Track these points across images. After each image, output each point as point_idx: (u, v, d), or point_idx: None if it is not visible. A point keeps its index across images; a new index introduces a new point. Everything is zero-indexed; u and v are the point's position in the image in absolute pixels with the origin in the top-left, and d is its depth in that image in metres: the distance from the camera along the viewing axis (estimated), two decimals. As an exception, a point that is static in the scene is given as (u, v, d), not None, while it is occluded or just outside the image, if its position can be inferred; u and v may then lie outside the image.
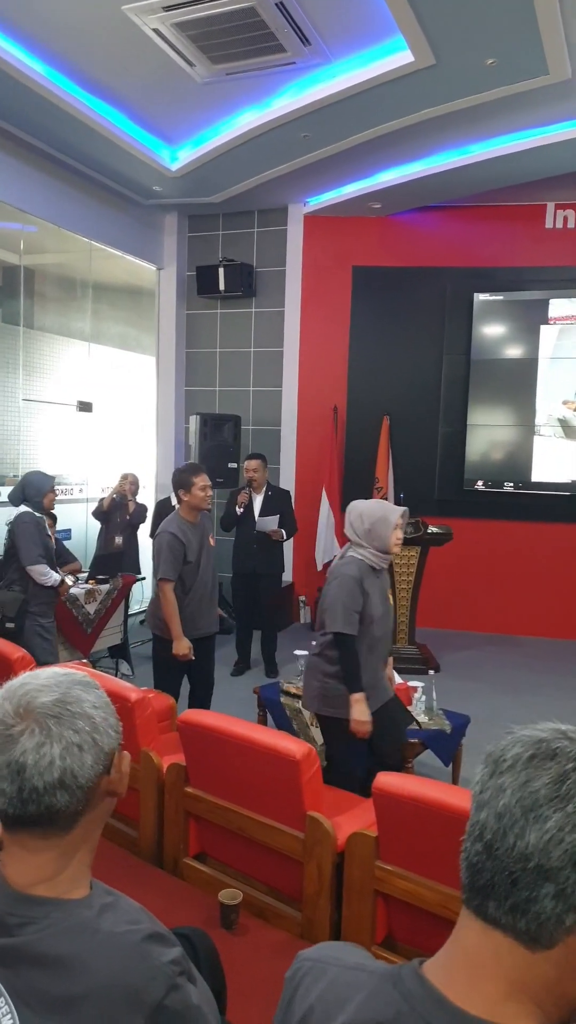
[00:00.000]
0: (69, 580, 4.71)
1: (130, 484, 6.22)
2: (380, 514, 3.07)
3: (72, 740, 0.94)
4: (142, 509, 6.35)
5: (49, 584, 4.38)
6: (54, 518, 5.56)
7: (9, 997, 0.88)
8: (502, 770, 0.74)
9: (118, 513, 6.16)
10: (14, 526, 4.37)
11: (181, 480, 4.06)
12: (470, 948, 0.74)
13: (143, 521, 6.34)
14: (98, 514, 6.14)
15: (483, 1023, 0.71)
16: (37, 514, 4.39)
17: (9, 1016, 0.87)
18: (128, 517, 6.20)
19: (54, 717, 0.95)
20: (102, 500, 6.15)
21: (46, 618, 4.46)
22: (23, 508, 4.41)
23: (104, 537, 6.16)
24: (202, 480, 4.04)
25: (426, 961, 0.79)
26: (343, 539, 7.13)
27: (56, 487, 6.61)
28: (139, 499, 6.39)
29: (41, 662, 4.18)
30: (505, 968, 0.71)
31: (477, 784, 0.77)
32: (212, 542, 4.27)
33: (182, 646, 3.98)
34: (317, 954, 0.87)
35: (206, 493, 4.05)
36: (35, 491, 4.39)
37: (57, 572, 4.49)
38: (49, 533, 4.50)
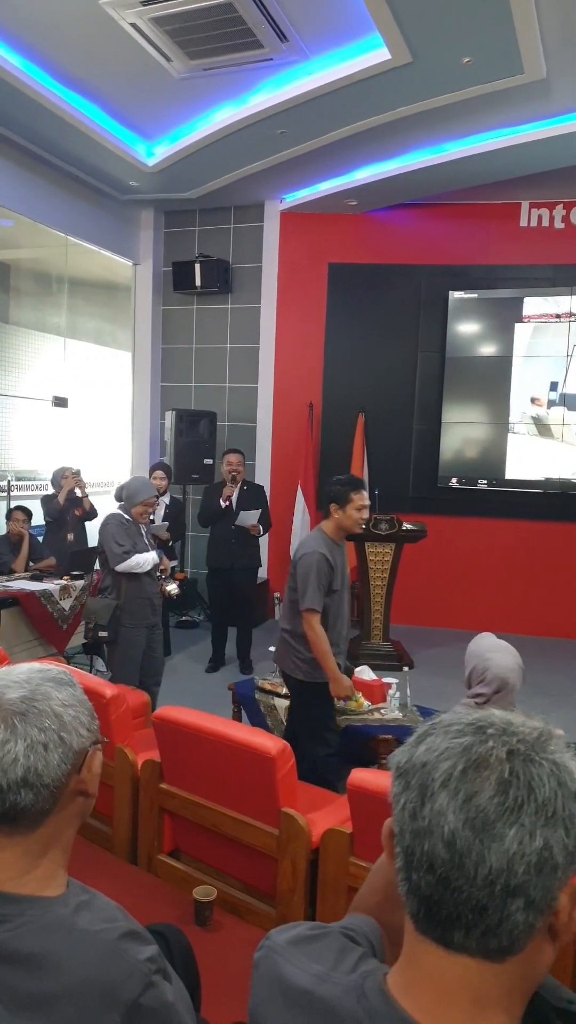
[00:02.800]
0: (172, 587, 4.53)
1: (77, 480, 6.00)
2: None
3: (37, 738, 0.94)
4: (92, 505, 6.16)
5: (147, 568, 4.15)
6: (29, 514, 5.52)
7: None
8: (433, 791, 0.68)
9: (71, 510, 5.99)
10: (100, 529, 4.26)
11: (338, 493, 3.38)
12: (433, 973, 0.70)
13: (95, 517, 6.15)
14: (54, 512, 5.88)
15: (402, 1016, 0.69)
16: (127, 517, 4.21)
17: None
18: (80, 514, 6.03)
19: (20, 714, 0.94)
20: (56, 498, 5.88)
21: (137, 631, 4.20)
22: (114, 509, 4.28)
23: (56, 534, 5.95)
24: (361, 499, 3.37)
25: (388, 974, 0.75)
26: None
27: (30, 483, 6.60)
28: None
29: (118, 679, 4.03)
30: (473, 988, 0.68)
31: (401, 808, 0.71)
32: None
33: (342, 687, 3.35)
34: (279, 944, 0.84)
35: (361, 515, 3.39)
36: (128, 496, 4.23)
37: (149, 588, 4.25)
38: (147, 541, 4.30)
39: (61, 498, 5.79)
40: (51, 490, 5.97)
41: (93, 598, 4.34)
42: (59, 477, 5.90)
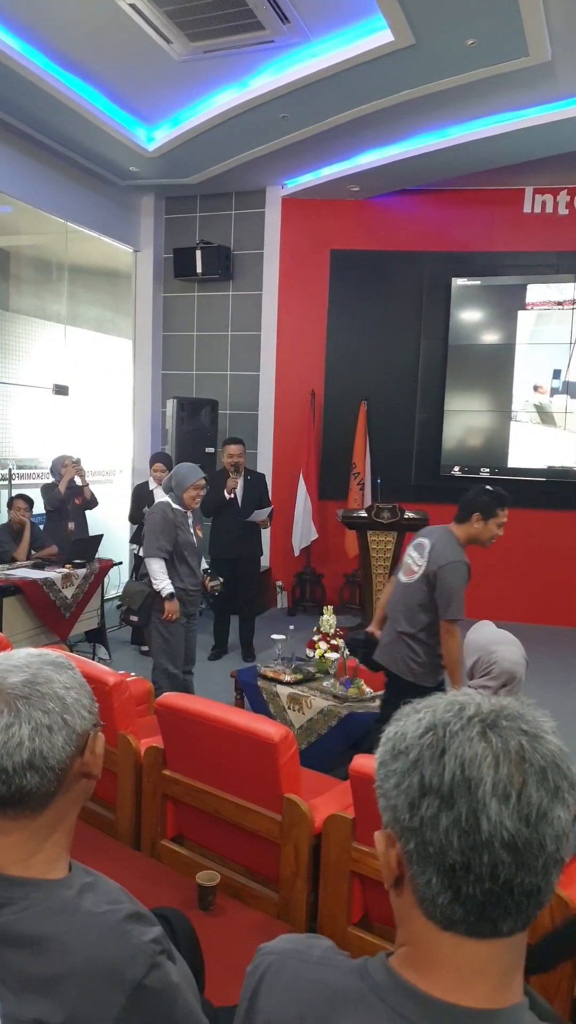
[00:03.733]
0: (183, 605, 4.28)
1: (77, 469, 6.01)
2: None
3: (41, 721, 0.93)
4: (93, 495, 6.16)
5: (156, 588, 4.09)
6: (30, 502, 5.51)
7: None
8: (484, 801, 0.66)
9: (71, 499, 5.99)
10: (146, 517, 4.23)
11: (486, 505, 3.27)
12: (454, 959, 0.69)
13: (95, 506, 6.16)
14: (54, 501, 5.87)
15: (462, 1009, 0.68)
16: (176, 506, 4.13)
17: None
18: (80, 503, 6.02)
19: (23, 698, 0.94)
20: (56, 486, 5.87)
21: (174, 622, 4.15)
22: (164, 498, 4.22)
23: (57, 523, 5.94)
24: (504, 516, 3.32)
25: (392, 955, 0.75)
26: (320, 524, 7.18)
27: (31, 471, 6.58)
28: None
29: (157, 668, 4.14)
30: (503, 963, 0.69)
31: (443, 827, 0.67)
32: None
33: None
34: (279, 947, 0.83)
35: (500, 532, 3.36)
36: (177, 483, 4.15)
37: (188, 579, 4.19)
38: (192, 530, 4.19)
39: (62, 487, 5.78)
40: (52, 478, 5.96)
41: (134, 581, 4.28)
42: (59, 466, 5.89)
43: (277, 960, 0.81)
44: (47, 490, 5.86)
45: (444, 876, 0.68)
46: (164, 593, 4.06)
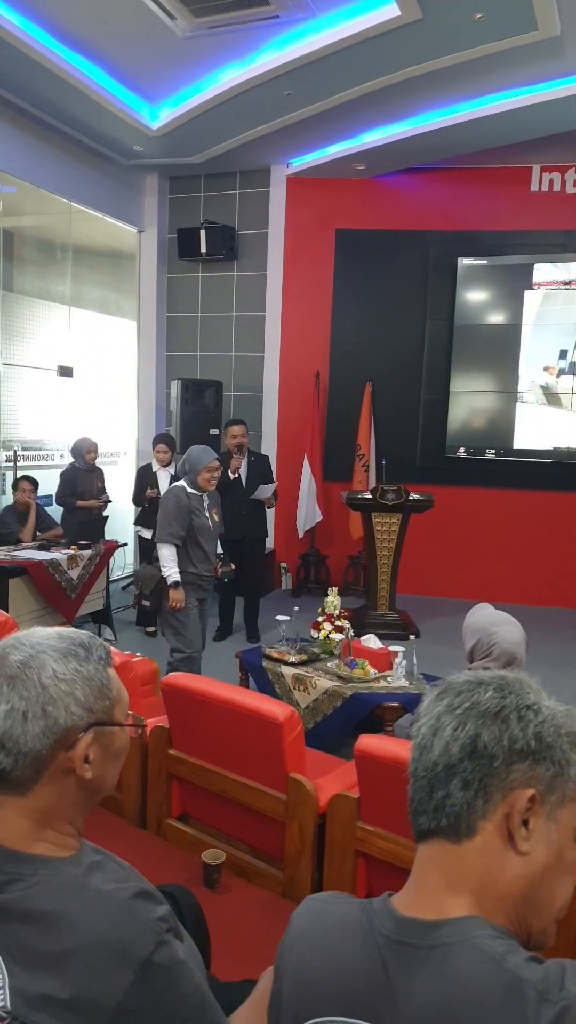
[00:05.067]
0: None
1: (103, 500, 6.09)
2: None
3: (17, 705, 0.94)
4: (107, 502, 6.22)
5: (163, 574, 4.02)
6: (35, 484, 5.52)
7: None
8: (421, 713, 0.89)
9: (93, 482, 6.03)
10: (161, 501, 4.16)
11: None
12: (416, 867, 0.86)
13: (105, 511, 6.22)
14: (72, 484, 5.93)
15: (415, 920, 0.81)
16: (191, 489, 4.06)
17: None
18: (100, 486, 6.09)
19: (11, 678, 0.95)
20: (76, 469, 5.90)
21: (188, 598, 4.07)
22: (179, 482, 4.14)
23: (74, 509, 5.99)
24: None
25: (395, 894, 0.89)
26: (324, 506, 7.18)
27: (36, 452, 6.60)
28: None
29: (173, 649, 4.09)
30: (440, 865, 0.83)
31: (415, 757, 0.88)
32: None
33: None
34: (318, 895, 0.98)
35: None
36: (191, 466, 4.06)
37: (202, 565, 4.10)
38: (208, 514, 4.11)
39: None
40: (68, 460, 6.00)
41: (146, 564, 4.25)
42: (83, 450, 5.92)
43: (307, 902, 0.96)
44: (68, 473, 5.89)
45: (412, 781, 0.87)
46: (170, 581, 4.02)
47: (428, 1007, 0.75)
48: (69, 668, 0.97)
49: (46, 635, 1.00)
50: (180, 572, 4.05)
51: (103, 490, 6.09)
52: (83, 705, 0.97)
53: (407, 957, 0.79)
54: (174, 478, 5.92)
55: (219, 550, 4.35)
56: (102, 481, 6.11)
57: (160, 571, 4.07)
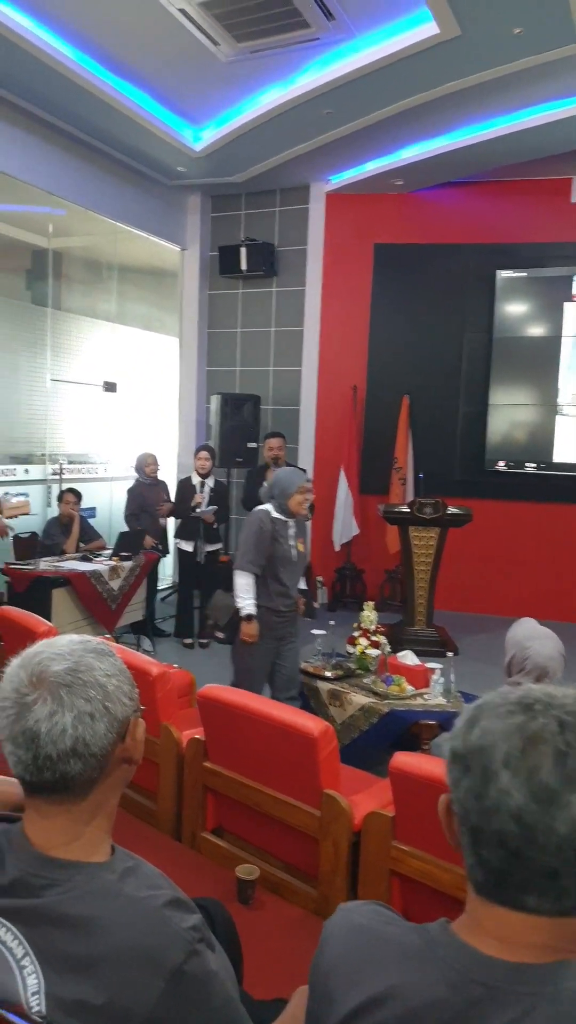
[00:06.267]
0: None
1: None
2: None
3: (83, 709, 0.95)
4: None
5: (237, 605, 3.71)
6: (79, 496, 5.63)
7: (34, 956, 0.90)
8: (496, 771, 0.73)
9: (158, 497, 6.22)
10: (244, 525, 3.87)
11: None
12: (500, 928, 0.76)
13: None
14: (139, 500, 6.16)
15: (499, 961, 0.74)
16: (276, 514, 3.76)
17: (34, 975, 0.89)
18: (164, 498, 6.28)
19: (66, 686, 0.96)
20: (140, 485, 6.13)
21: (260, 641, 3.72)
22: (263, 505, 3.86)
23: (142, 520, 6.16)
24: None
25: (454, 922, 0.82)
26: (361, 519, 7.17)
27: (83, 465, 6.75)
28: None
29: (237, 683, 3.71)
30: (543, 938, 0.74)
31: (464, 792, 0.75)
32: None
33: None
34: (353, 906, 0.93)
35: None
36: (281, 490, 3.77)
37: (279, 599, 3.78)
38: (292, 543, 3.80)
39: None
40: (111, 473, 6.17)
41: (222, 592, 3.96)
42: (143, 464, 6.15)
43: (345, 915, 0.91)
44: (133, 489, 6.12)
45: (469, 839, 0.76)
46: (243, 613, 3.68)
47: None
48: (110, 665, 1.01)
49: (68, 642, 1.03)
50: (256, 605, 3.73)
51: (169, 501, 6.24)
52: (129, 696, 1.02)
53: (493, 995, 0.73)
54: (215, 488, 5.99)
55: (302, 585, 4.03)
56: (167, 493, 6.25)
57: (234, 602, 3.74)
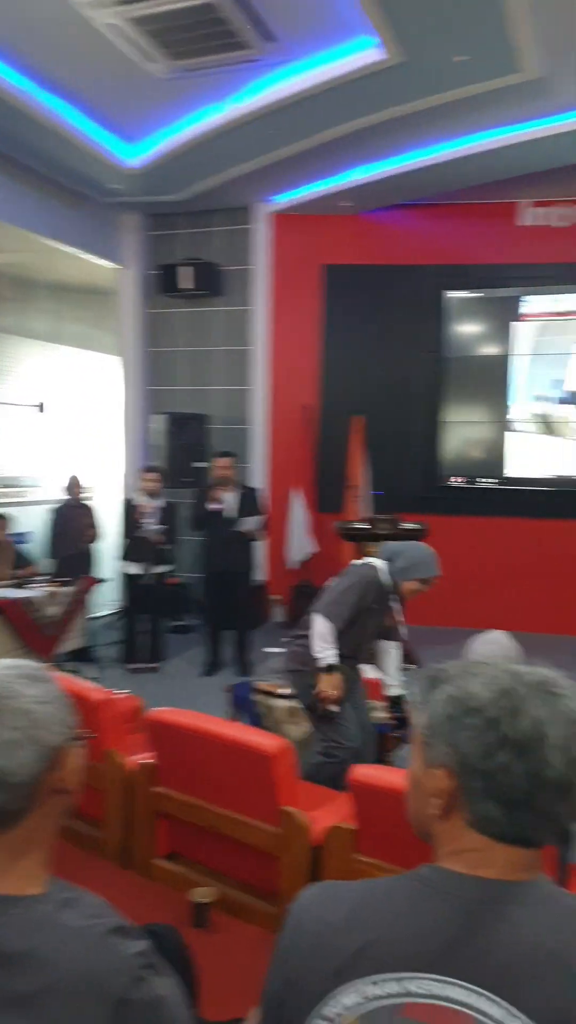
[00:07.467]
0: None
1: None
2: None
3: (7, 738, 0.91)
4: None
5: (315, 653, 3.15)
6: (9, 521, 5.44)
7: None
8: (549, 755, 0.84)
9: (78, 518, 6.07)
10: (347, 572, 3.42)
11: None
12: (510, 862, 0.86)
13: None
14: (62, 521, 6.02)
15: (472, 878, 0.84)
16: (385, 581, 3.28)
17: None
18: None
19: None
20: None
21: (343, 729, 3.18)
22: (375, 561, 3.36)
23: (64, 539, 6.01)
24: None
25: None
26: (319, 537, 7.11)
27: (14, 489, 6.58)
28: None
29: (326, 749, 3.17)
30: (531, 860, 0.87)
31: (516, 776, 0.83)
32: None
33: None
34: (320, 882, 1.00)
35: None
36: (408, 565, 3.26)
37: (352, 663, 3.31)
38: (389, 611, 3.44)
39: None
40: (44, 495, 6.04)
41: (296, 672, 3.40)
42: (69, 486, 6.09)
43: (313, 889, 0.97)
44: (59, 511, 6.04)
45: (504, 807, 0.84)
46: (323, 663, 3.13)
47: (541, 935, 0.80)
48: (43, 691, 0.97)
49: None
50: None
51: (91, 526, 6.05)
52: (63, 723, 0.97)
53: (499, 907, 0.83)
54: (165, 509, 5.86)
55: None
56: (90, 518, 6.08)
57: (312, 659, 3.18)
